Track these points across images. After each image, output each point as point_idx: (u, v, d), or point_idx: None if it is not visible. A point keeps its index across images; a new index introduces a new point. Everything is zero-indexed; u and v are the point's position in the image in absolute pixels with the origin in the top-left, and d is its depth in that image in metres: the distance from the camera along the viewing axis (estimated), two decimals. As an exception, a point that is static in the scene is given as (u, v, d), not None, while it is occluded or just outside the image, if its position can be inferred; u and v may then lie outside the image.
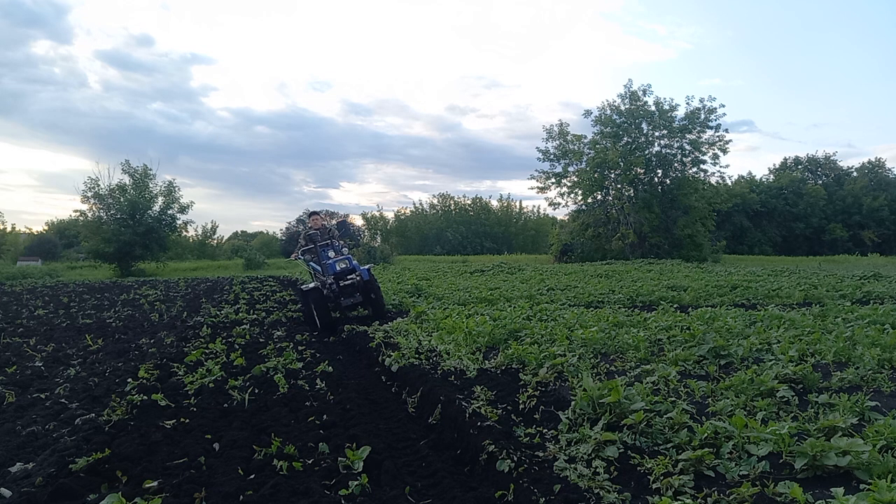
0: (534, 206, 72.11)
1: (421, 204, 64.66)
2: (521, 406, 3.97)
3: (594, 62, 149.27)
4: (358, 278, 9.12)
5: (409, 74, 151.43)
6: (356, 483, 2.95)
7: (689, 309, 8.89)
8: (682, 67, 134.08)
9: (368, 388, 5.37)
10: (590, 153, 37.85)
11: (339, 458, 3.27)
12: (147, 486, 3.00)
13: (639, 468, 2.86)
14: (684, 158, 37.09)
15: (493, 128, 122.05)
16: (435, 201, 63.78)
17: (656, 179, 37.88)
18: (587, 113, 38.71)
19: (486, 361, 5.40)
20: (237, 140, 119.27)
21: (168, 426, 4.03)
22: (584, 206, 39.40)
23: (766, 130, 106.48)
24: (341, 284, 9.08)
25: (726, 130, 36.68)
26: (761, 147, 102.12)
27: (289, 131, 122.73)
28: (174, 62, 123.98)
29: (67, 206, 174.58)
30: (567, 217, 42.15)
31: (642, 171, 36.96)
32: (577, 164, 38.75)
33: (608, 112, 37.75)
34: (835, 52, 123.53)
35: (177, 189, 33.66)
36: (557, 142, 39.44)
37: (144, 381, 5.27)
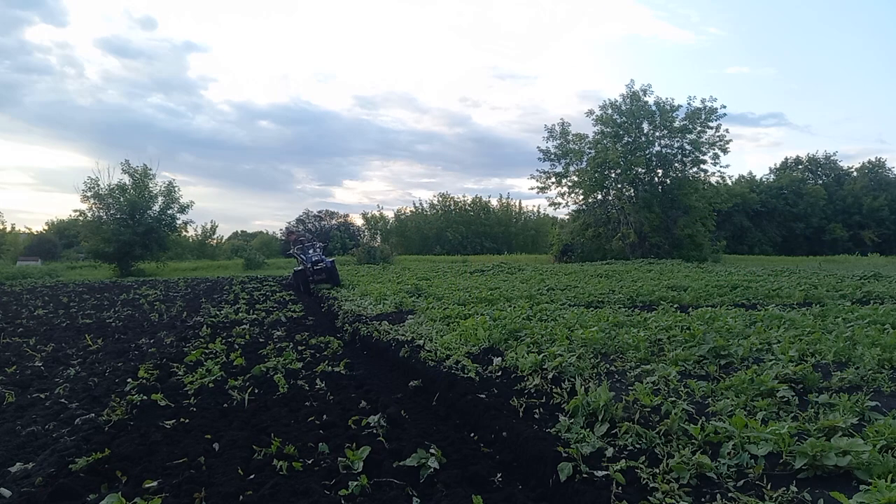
0: (534, 206, 72.23)
1: (421, 204, 64.79)
2: (520, 407, 3.96)
3: (617, 49, 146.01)
4: (324, 265, 15.83)
5: (417, 66, 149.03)
6: (356, 483, 2.95)
7: (690, 309, 8.89)
8: (711, 54, 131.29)
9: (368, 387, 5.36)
10: (590, 153, 37.87)
11: (339, 458, 3.27)
12: (147, 486, 3.00)
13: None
14: (684, 158, 37.11)
15: (507, 121, 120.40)
16: (435, 201, 63.87)
17: (657, 179, 37.89)
18: (589, 112, 38.77)
19: (486, 365, 5.40)
20: (239, 135, 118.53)
21: (168, 426, 4.04)
22: (584, 206, 39.44)
23: (796, 123, 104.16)
24: (315, 269, 15.81)
25: (727, 131, 36.73)
26: (784, 143, 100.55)
27: (292, 126, 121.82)
28: (174, 48, 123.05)
29: (66, 204, 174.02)
30: (567, 217, 42.20)
31: (643, 170, 36.96)
32: (577, 164, 38.79)
33: (609, 111, 37.76)
34: (867, 45, 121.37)
35: (176, 189, 33.67)
36: (558, 141, 39.49)
37: (144, 381, 5.27)
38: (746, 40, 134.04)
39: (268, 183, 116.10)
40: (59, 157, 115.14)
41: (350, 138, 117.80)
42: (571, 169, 39.10)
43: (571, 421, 3.50)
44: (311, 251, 16.60)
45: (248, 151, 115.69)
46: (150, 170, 33.07)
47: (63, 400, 4.85)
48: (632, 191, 37.72)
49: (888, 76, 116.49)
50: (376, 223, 64.04)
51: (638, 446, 3.12)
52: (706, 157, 36.83)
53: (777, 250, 53.14)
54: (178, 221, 34.18)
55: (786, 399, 3.82)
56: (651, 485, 2.65)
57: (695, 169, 37.25)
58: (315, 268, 15.83)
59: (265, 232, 76.93)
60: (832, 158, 64.82)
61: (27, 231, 66.62)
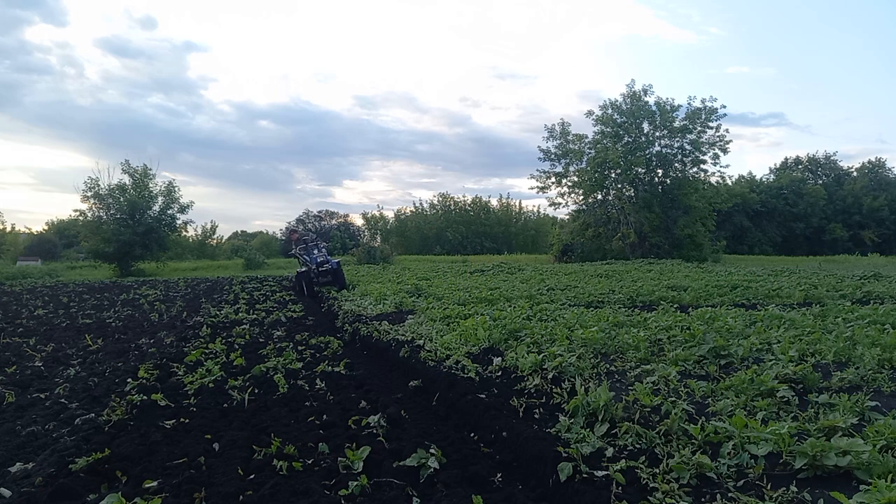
0: (534, 206, 72.23)
1: (421, 204, 64.79)
2: (520, 407, 3.96)
3: (618, 49, 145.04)
4: (329, 266, 14.83)
5: (417, 66, 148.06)
6: (356, 483, 2.95)
7: (690, 309, 8.89)
8: (712, 54, 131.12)
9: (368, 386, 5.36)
10: (590, 153, 37.88)
11: (339, 458, 3.27)
12: (147, 486, 3.00)
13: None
14: (685, 158, 37.12)
15: (507, 121, 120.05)
16: (435, 201, 63.89)
17: (656, 179, 37.90)
18: (589, 112, 38.79)
19: (486, 365, 5.40)
20: (239, 135, 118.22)
21: (168, 426, 4.04)
22: (584, 206, 39.45)
23: (796, 123, 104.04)
24: (320, 270, 14.79)
25: (727, 131, 36.74)
26: (784, 143, 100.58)
27: (292, 126, 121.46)
28: (174, 48, 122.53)
29: (66, 204, 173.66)
30: (567, 217, 42.22)
31: (643, 170, 36.97)
32: (577, 164, 38.80)
33: (609, 111, 37.78)
34: (867, 45, 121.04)
35: (177, 189, 33.72)
36: (558, 141, 39.50)
37: (144, 381, 5.27)
38: (747, 40, 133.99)
39: (268, 183, 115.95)
40: (59, 157, 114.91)
41: (350, 138, 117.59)
42: (571, 169, 39.15)
43: (571, 421, 3.50)
44: (315, 251, 15.39)
45: (248, 151, 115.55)
46: (150, 170, 33.13)
47: (63, 400, 4.85)
48: (632, 191, 37.73)
49: (888, 76, 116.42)
50: (376, 223, 64.05)
51: (638, 446, 3.12)
52: (706, 157, 36.88)
53: (777, 250, 53.14)
54: (179, 221, 34.22)
55: (786, 399, 3.82)
56: (651, 485, 2.65)
57: (695, 169, 37.28)
58: (320, 269, 14.70)
59: (265, 232, 77.02)
60: (832, 158, 64.90)
61: (27, 231, 66.67)
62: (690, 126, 36.26)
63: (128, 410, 4.36)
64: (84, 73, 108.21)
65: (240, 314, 10.51)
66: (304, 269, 15.53)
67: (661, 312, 8.15)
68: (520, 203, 65.01)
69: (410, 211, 64.33)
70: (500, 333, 6.45)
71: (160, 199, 33.21)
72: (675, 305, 9.39)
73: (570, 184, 39.36)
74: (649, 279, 15.54)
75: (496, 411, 3.90)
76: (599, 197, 38.95)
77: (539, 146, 40.18)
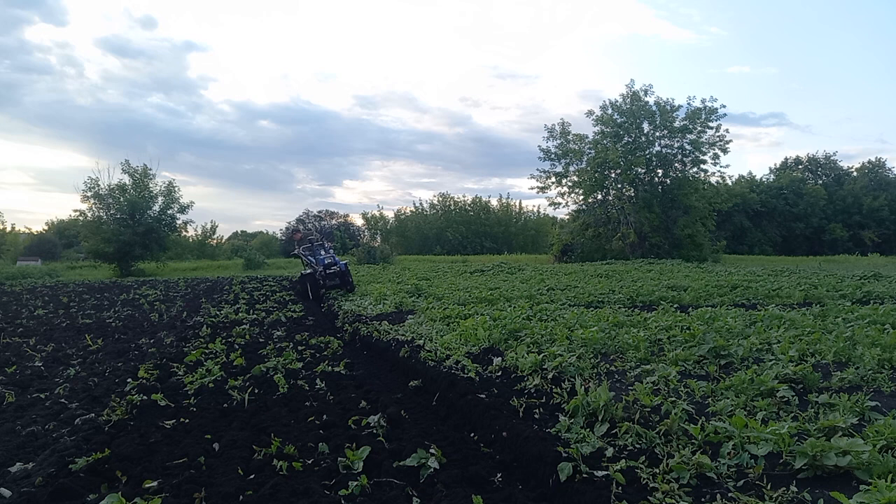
0: (534, 206, 72.22)
1: (421, 204, 64.77)
2: (520, 407, 3.96)
3: (618, 49, 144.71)
4: (337, 268, 14.12)
5: (417, 66, 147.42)
6: (356, 483, 2.95)
7: (689, 309, 8.89)
8: (712, 54, 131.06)
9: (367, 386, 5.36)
10: (590, 153, 37.88)
11: (339, 458, 3.27)
12: (147, 486, 3.00)
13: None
14: (685, 158, 37.11)
15: (507, 120, 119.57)
16: (435, 201, 63.86)
17: (656, 179, 37.89)
18: (589, 112, 38.78)
19: (486, 365, 5.40)
20: (239, 135, 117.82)
21: (168, 426, 4.04)
22: (584, 206, 39.43)
23: (796, 123, 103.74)
24: (327, 272, 14.04)
25: (727, 131, 36.73)
26: (785, 143, 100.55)
27: (292, 126, 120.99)
28: (174, 47, 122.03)
29: (66, 204, 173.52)
30: (567, 217, 42.18)
31: (643, 170, 36.96)
32: (577, 164, 38.80)
33: (609, 111, 37.78)
34: (867, 45, 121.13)
35: (176, 189, 33.70)
36: (558, 141, 39.49)
37: (144, 381, 5.27)
38: (747, 40, 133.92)
39: (268, 183, 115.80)
40: (59, 157, 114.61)
41: (350, 138, 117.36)
42: (571, 169, 39.10)
43: (571, 421, 3.50)
44: (321, 252, 14.61)
45: (248, 151, 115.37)
46: (150, 170, 33.12)
47: (63, 400, 4.85)
48: (632, 191, 37.69)
49: (888, 76, 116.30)
50: (376, 223, 64.05)
51: (638, 446, 3.12)
52: (706, 157, 36.82)
53: (777, 250, 53.13)
54: (178, 221, 34.21)
55: (786, 399, 3.82)
56: (651, 485, 2.65)
57: (695, 169, 37.23)
58: (328, 271, 13.94)
59: (265, 232, 76.91)
60: (832, 158, 64.86)
61: (27, 231, 66.62)
62: (690, 126, 36.23)
63: (128, 410, 4.36)
64: (84, 72, 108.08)
65: (240, 314, 10.51)
66: (308, 270, 14.66)
67: (661, 312, 8.15)
68: (520, 203, 65.05)
69: (410, 211, 64.38)
70: (500, 333, 6.45)
71: (160, 199, 33.21)
72: (675, 305, 9.39)
73: (570, 184, 39.35)
74: (649, 279, 15.54)
75: (496, 411, 3.90)
76: (599, 197, 38.92)
77: (539, 146, 40.18)
